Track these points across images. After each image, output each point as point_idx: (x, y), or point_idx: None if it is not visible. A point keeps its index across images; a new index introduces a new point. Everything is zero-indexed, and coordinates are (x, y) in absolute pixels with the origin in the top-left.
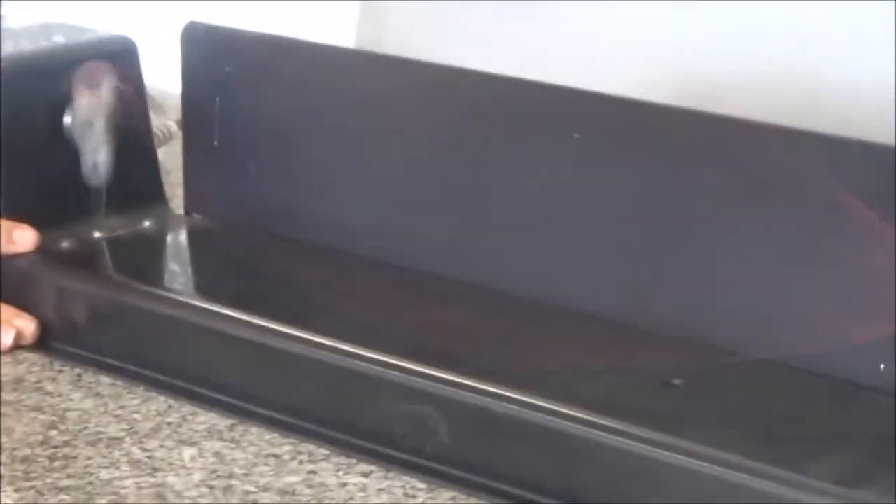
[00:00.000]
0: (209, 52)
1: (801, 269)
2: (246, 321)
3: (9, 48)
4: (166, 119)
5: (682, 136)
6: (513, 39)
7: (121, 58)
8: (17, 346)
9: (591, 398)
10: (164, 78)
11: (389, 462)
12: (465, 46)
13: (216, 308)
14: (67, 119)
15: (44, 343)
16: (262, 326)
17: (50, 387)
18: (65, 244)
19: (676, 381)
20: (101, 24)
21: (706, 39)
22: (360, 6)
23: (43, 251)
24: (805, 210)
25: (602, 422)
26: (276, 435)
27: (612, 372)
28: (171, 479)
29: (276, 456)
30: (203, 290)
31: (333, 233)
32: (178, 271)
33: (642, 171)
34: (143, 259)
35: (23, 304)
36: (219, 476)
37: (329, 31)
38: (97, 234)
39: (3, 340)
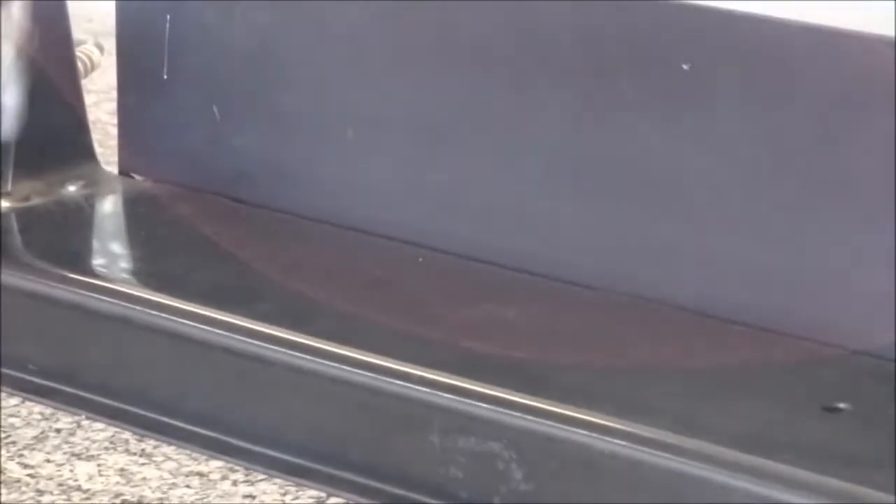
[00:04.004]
0: None
1: None
2: (212, 318)
3: None
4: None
5: None
6: None
7: None
8: None
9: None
10: None
11: None
12: None
13: (159, 299)
14: None
15: None
16: (243, 328)
17: None
18: None
19: (842, 406)
20: None
21: None
22: None
23: None
24: None
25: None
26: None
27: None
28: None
29: (201, 474)
30: (139, 274)
31: (309, 199)
32: (108, 250)
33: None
34: (63, 234)
35: None
36: (125, 501)
37: None
38: (5, 204)
39: None
